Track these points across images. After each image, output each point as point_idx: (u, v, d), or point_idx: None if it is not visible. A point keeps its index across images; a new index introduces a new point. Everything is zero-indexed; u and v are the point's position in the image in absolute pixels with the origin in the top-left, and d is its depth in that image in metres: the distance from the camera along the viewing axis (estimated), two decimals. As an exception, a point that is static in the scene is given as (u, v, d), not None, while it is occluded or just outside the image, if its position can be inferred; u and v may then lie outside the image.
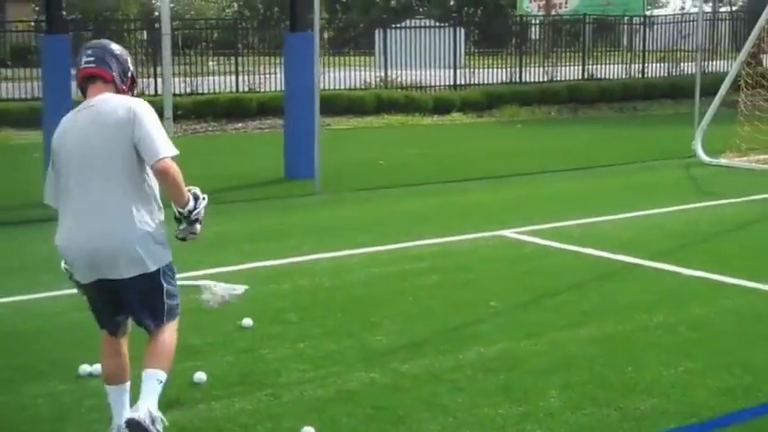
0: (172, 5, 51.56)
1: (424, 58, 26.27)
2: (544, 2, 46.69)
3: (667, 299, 7.20)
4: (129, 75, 4.68)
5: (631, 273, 8.18)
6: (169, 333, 4.63)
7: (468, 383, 5.47)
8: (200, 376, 5.57)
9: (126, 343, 4.80)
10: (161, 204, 4.57)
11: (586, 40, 29.00)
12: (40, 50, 12.78)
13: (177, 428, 4.87)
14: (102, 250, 4.40)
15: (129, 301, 4.56)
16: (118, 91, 4.60)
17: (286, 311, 7.01)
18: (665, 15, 30.74)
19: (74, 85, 14.34)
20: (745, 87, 15.50)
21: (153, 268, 4.47)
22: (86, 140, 4.46)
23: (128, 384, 4.75)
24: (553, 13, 42.03)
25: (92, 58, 4.58)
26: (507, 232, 9.76)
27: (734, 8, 33.50)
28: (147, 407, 4.36)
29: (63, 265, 4.72)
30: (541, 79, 27.36)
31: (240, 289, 5.67)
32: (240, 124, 22.23)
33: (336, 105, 22.97)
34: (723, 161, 14.71)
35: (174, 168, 4.44)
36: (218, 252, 8.85)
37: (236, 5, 57.59)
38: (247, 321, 6.65)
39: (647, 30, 29.58)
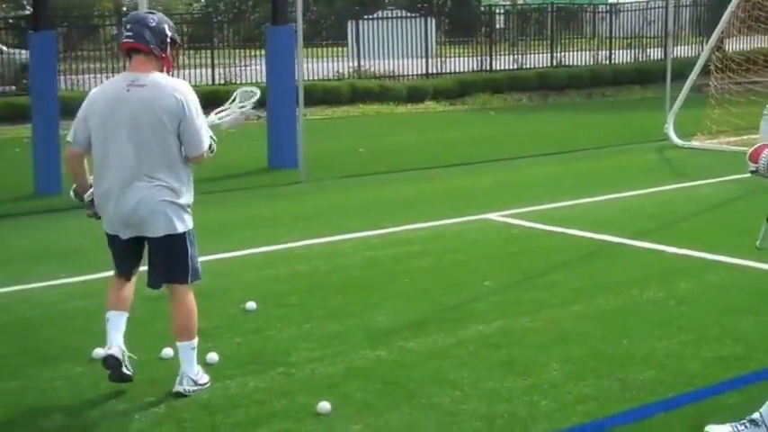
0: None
1: (396, 47, 26.44)
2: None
3: (654, 275, 7.45)
4: (168, 41, 5.09)
5: (616, 251, 8.44)
6: (190, 301, 5.28)
7: (471, 359, 5.68)
8: (213, 357, 5.74)
9: (134, 280, 5.40)
10: (191, 179, 5.21)
11: (553, 29, 29.25)
12: (29, 47, 12.80)
13: (197, 406, 5.05)
14: (140, 214, 5.03)
15: (158, 259, 5.20)
16: (158, 59, 5.07)
17: (287, 295, 7.19)
18: (631, 2, 31.02)
19: (61, 79, 14.28)
20: (715, 71, 15.81)
21: (181, 230, 5.09)
22: (137, 117, 4.98)
23: (126, 314, 5.30)
24: (520, 2, 42.29)
25: (130, 33, 5.05)
26: (492, 215, 9.99)
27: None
28: (189, 376, 5.18)
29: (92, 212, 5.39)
30: (510, 67, 27.60)
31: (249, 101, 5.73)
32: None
33: (312, 96, 23.05)
34: (695, 143, 15.02)
35: (207, 156, 5.21)
36: (213, 240, 8.97)
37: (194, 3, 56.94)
38: (251, 305, 6.83)
39: (614, 17, 29.89)
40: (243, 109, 5.69)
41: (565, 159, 14.42)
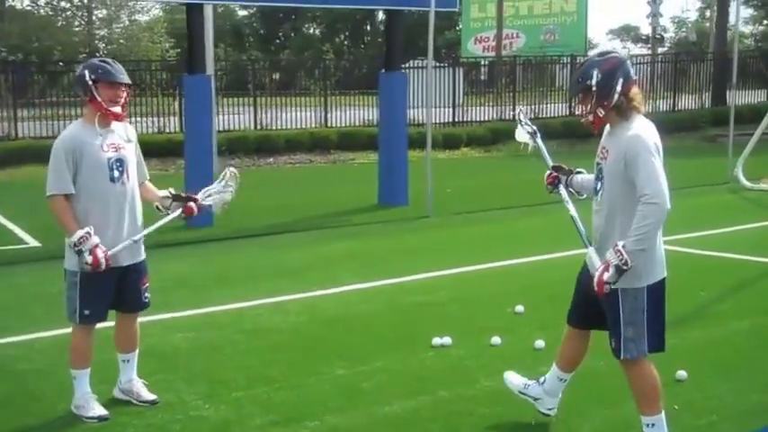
0: (112, 46, 52.03)
1: (425, 96, 27.78)
2: (495, 44, 48.85)
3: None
4: (90, 83, 5.54)
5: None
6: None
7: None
8: (540, 344, 6.96)
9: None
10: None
11: (567, 80, 30.83)
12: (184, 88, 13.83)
13: (596, 374, 6.19)
14: None
15: None
16: (86, 104, 5.74)
17: (540, 302, 8.36)
18: (644, 55, 32.86)
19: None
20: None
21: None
22: None
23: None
24: (504, 53, 44.11)
25: None
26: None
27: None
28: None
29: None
30: (530, 116, 29.08)
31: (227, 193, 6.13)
32: (271, 159, 23.46)
33: (356, 141, 24.60)
34: (764, 186, 16.44)
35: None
36: (417, 260, 10.33)
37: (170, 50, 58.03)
38: (519, 308, 8.06)
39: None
40: (230, 189, 6.11)
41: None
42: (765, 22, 60.33)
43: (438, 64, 29.44)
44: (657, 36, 50.92)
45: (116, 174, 5.61)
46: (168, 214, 5.99)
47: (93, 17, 54.61)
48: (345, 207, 15.06)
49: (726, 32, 33.77)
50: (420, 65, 29.06)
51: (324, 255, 11.01)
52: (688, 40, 55.91)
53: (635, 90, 4.78)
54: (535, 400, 5.51)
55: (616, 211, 4.80)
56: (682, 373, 6.21)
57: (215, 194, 6.12)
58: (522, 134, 5.99)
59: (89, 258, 5.45)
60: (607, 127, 4.92)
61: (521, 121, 6.02)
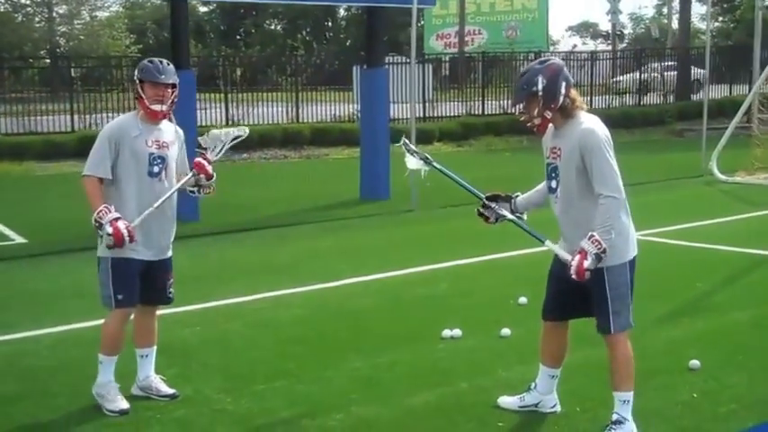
0: (73, 42, 51.63)
1: (395, 92, 27.84)
2: (456, 40, 49.01)
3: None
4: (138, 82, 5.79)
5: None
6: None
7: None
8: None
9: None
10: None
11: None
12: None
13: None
14: None
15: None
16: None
17: (541, 291, 8.42)
18: (607, 51, 33.26)
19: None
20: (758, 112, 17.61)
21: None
22: None
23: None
24: (467, 49, 44.32)
25: None
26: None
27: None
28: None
29: None
30: (497, 111, 29.23)
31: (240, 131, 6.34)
32: (245, 154, 23.37)
33: (329, 137, 24.59)
34: (738, 179, 16.68)
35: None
36: (412, 253, 10.37)
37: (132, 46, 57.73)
38: (523, 300, 8.14)
39: (593, 65, 31.87)
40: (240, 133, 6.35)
41: (636, 192, 15.89)
42: (721, 18, 61.04)
43: (406, 60, 29.47)
44: (618, 32, 51.28)
45: (155, 169, 5.75)
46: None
47: (54, 13, 54.04)
48: (327, 201, 15.09)
49: (689, 28, 34.15)
50: (391, 60, 29.06)
51: (315, 249, 11.05)
52: (650, 36, 56.31)
53: (574, 92, 5.07)
54: (536, 405, 5.61)
55: (576, 200, 5.07)
56: (695, 363, 6.31)
57: (221, 140, 6.17)
58: (413, 162, 5.85)
59: (109, 229, 5.51)
60: (551, 128, 5.17)
61: (409, 149, 5.84)
